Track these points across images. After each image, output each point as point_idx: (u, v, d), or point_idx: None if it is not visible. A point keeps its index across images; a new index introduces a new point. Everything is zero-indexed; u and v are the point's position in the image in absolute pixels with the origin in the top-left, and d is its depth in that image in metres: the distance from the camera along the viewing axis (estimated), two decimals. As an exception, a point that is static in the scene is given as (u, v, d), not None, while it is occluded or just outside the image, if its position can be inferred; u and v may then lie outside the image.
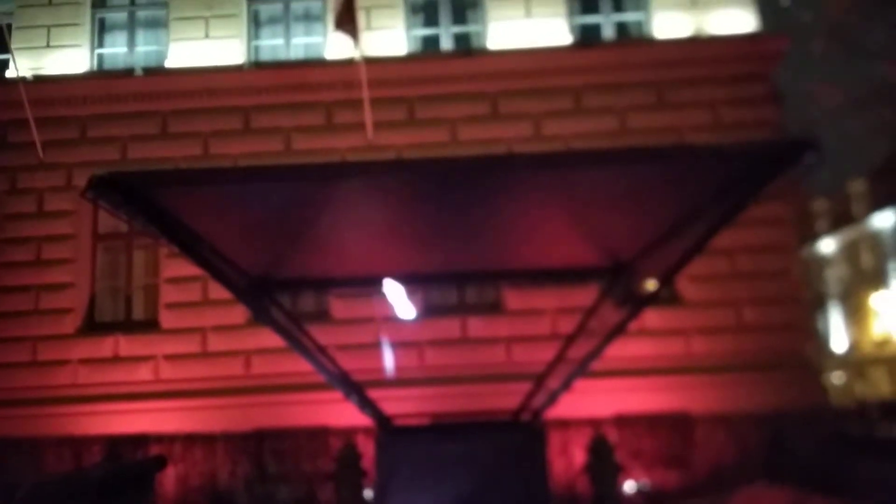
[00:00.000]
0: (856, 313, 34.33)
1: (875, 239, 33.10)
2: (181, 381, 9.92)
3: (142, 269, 10.69)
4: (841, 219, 35.14)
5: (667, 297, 9.78)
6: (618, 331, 4.36)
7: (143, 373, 10.02)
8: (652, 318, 9.43)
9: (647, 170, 3.10)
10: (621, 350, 4.75)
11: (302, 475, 9.20)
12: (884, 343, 32.08)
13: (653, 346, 9.57)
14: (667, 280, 4.44)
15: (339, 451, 8.45)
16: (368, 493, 8.07)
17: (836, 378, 33.25)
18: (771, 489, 7.45)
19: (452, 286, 9.44)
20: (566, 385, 4.85)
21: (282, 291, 5.10)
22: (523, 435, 4.85)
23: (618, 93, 10.31)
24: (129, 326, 10.41)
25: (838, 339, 35.37)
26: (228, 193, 3.17)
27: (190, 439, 9.39)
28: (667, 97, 10.34)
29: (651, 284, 4.74)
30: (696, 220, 3.46)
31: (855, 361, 33.53)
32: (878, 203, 32.26)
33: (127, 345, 10.18)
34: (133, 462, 8.78)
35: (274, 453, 9.39)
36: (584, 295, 9.37)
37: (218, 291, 3.91)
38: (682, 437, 9.20)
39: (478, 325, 9.97)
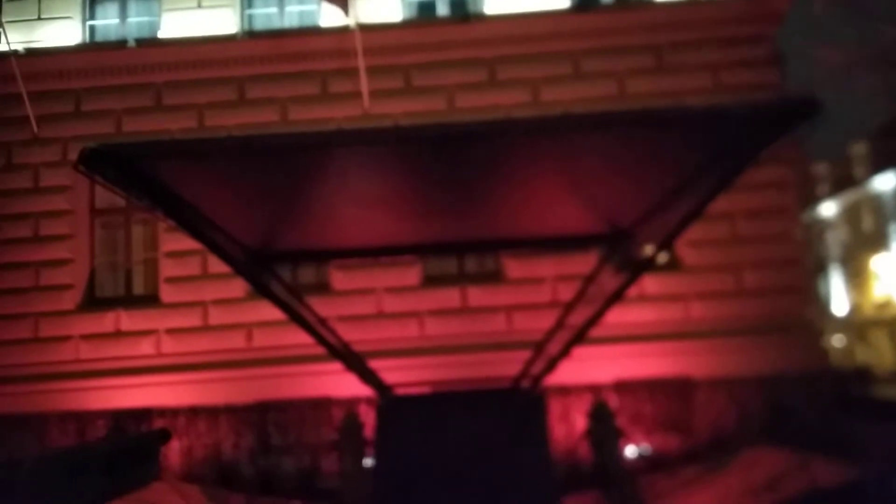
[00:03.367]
0: (856, 276, 34.34)
1: (876, 201, 32.95)
2: (183, 355, 9.95)
3: (141, 243, 10.66)
4: (842, 182, 34.98)
5: (667, 262, 9.76)
6: (616, 297, 4.34)
7: (145, 347, 10.04)
8: (652, 283, 9.44)
9: (646, 132, 3.04)
10: (621, 316, 4.74)
11: (305, 446, 9.27)
12: (884, 305, 32.13)
13: (653, 312, 9.57)
14: (666, 245, 4.40)
15: (342, 421, 8.49)
16: (370, 462, 8.13)
17: (837, 341, 33.38)
18: (771, 451, 7.49)
19: (452, 256, 9.41)
20: (565, 351, 4.85)
21: (281, 264, 5.07)
22: (523, 402, 4.86)
23: (617, 57, 10.17)
24: (129, 301, 10.41)
25: (839, 302, 35.45)
26: (224, 163, 3.12)
27: (193, 412, 9.45)
28: (666, 60, 10.19)
29: (650, 250, 4.71)
30: (696, 183, 3.41)
31: (856, 324, 33.64)
32: (880, 165, 32.06)
33: (128, 320, 10.19)
34: (137, 436, 8.86)
35: (277, 425, 9.46)
36: (584, 262, 9.35)
37: (218, 265, 3.87)
38: (682, 402, 9.24)
39: (478, 295, 9.97)
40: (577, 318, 4.89)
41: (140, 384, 9.68)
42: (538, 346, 5.61)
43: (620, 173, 3.60)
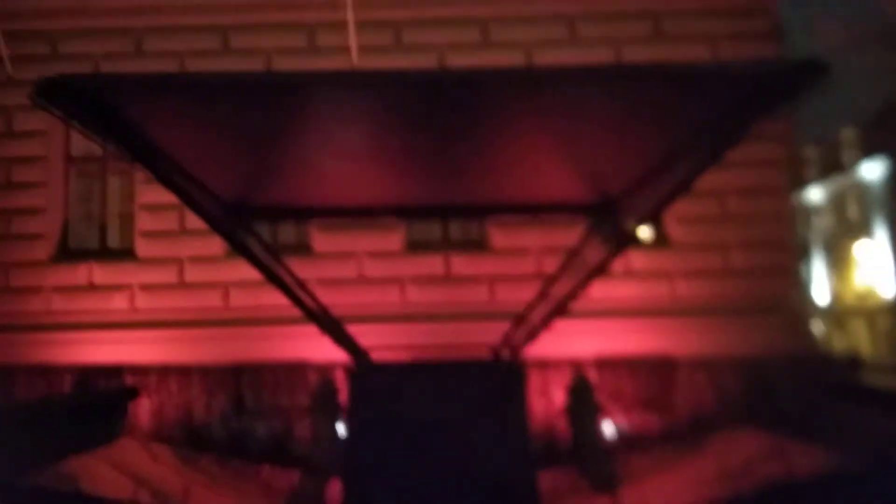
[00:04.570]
0: (839, 263, 34.53)
1: (862, 189, 33.00)
2: (157, 312, 9.76)
3: (117, 195, 10.38)
4: (830, 167, 34.97)
5: (655, 238, 9.62)
6: (600, 270, 4.15)
7: (119, 302, 9.82)
8: (638, 259, 9.29)
9: (645, 90, 2.82)
10: (605, 291, 4.60)
11: (279, 410, 9.10)
12: (865, 295, 32.35)
13: (637, 288, 9.44)
14: (652, 217, 4.19)
15: (316, 386, 8.33)
16: (342, 428, 7.98)
17: (815, 328, 33.60)
18: (748, 434, 7.41)
19: (437, 220, 9.20)
20: (545, 323, 4.68)
21: (259, 220, 4.83)
22: (502, 373, 4.69)
23: (614, 22, 9.89)
24: (104, 254, 10.16)
25: (820, 289, 35.69)
26: (199, 104, 2.86)
27: (165, 371, 9.23)
28: (664, 29, 9.93)
29: (640, 222, 4.50)
30: (690, 151, 3.19)
31: (835, 312, 33.90)
32: (869, 153, 32.06)
33: (102, 273, 9.94)
34: (104, 391, 8.64)
35: (251, 387, 9.27)
36: (571, 234, 9.18)
37: (196, 221, 3.62)
38: (663, 380, 9.15)
39: (462, 263, 9.78)
40: (560, 290, 4.72)
41: (112, 340, 9.46)
42: (519, 317, 5.44)
43: (611, 137, 3.39)
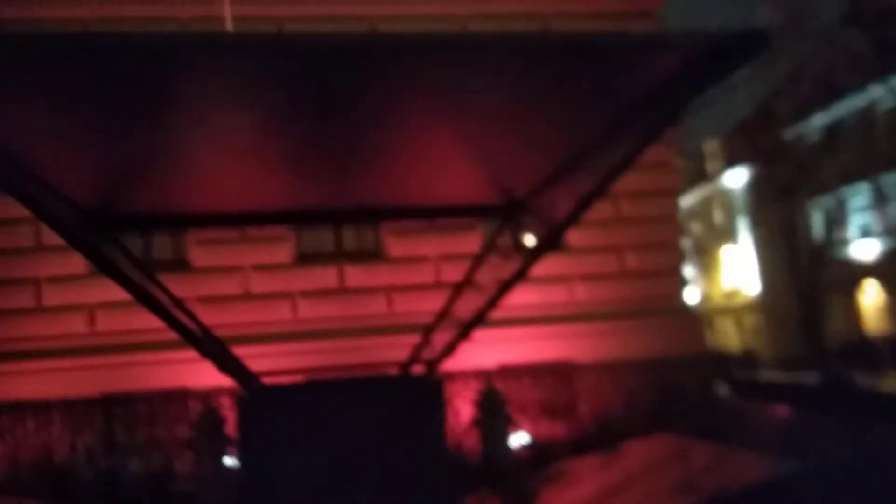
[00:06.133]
0: (707, 267, 36.55)
1: (727, 196, 35.12)
2: (10, 342, 8.61)
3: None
4: (696, 176, 37.03)
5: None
6: (520, 275, 3.77)
7: (-37, 332, 8.61)
8: (535, 264, 9.12)
9: (567, 66, 2.41)
10: (505, 298, 4.27)
11: (156, 444, 8.19)
12: (731, 294, 34.37)
13: (536, 294, 9.24)
14: (576, 214, 3.85)
15: (199, 416, 7.53)
16: (231, 461, 7.24)
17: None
18: (657, 439, 7.34)
19: (329, 226, 8.62)
20: (464, 334, 4.24)
21: (127, 231, 4.13)
22: (419, 389, 4.21)
23: (504, 23, 9.74)
24: (-58, 278, 8.88)
25: (691, 290, 37.65)
26: (38, 78, 2.21)
27: (19, 408, 8.07)
28: (553, 30, 9.90)
29: (552, 223, 4.16)
30: (615, 138, 2.83)
31: (705, 311, 35.82)
32: (731, 162, 34.19)
33: (-59, 298, 8.68)
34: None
35: (122, 421, 8.29)
36: (470, 241, 8.87)
37: (55, 235, 2.92)
38: (566, 387, 9.00)
39: (356, 274, 9.25)
40: (467, 299, 4.31)
41: (-46, 376, 8.23)
42: (427, 330, 5.01)
43: (522, 125, 2.94)
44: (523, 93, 2.57)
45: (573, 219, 3.88)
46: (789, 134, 24.25)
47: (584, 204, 3.22)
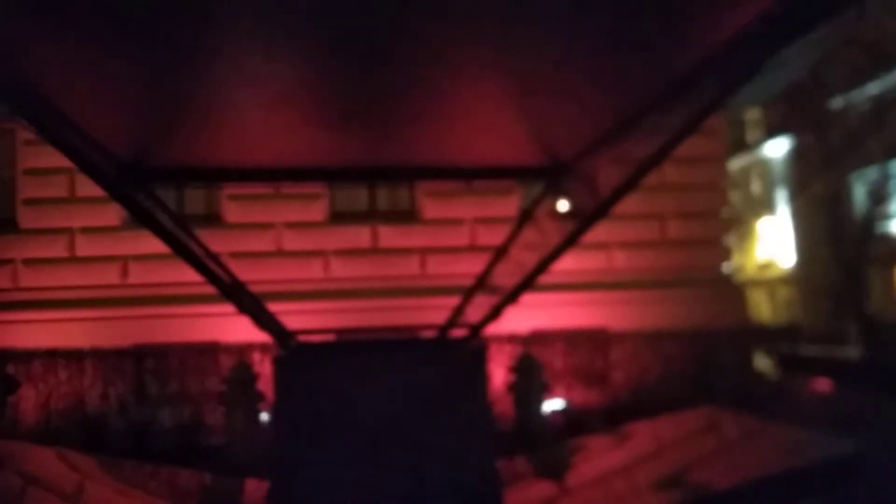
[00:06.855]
0: (743, 237, 35.86)
1: (765, 166, 34.25)
2: (44, 290, 8.65)
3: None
4: (735, 146, 36.16)
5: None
6: (571, 240, 3.54)
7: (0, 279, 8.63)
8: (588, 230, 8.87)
9: (630, 15, 2.15)
10: (553, 264, 4.11)
11: (187, 397, 8.19)
12: (765, 267, 33.73)
13: (574, 260, 8.98)
14: (636, 179, 3.58)
15: (231, 371, 7.48)
16: (265, 417, 7.20)
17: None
18: (696, 410, 7.14)
19: (364, 184, 8.43)
20: (512, 298, 4.05)
21: (161, 183, 4.00)
22: (463, 353, 4.05)
23: None
24: (-21, 225, 8.92)
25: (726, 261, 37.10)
26: (80, 33, 2.09)
27: (52, 357, 8.10)
28: None
29: (600, 188, 3.91)
30: (679, 97, 2.56)
31: (740, 283, 35.31)
32: (772, 132, 33.25)
33: (-23, 247, 8.70)
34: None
35: (154, 373, 8.29)
36: (507, 205, 8.62)
37: (88, 187, 2.80)
38: (602, 355, 8.80)
39: (390, 235, 9.08)
40: (510, 263, 4.12)
41: (-9, 322, 8.28)
42: (468, 292, 4.83)
43: (573, 81, 2.68)
44: (577, 47, 2.33)
45: (633, 183, 3.60)
46: (837, 103, 23.39)
47: (645, 167, 2.96)
